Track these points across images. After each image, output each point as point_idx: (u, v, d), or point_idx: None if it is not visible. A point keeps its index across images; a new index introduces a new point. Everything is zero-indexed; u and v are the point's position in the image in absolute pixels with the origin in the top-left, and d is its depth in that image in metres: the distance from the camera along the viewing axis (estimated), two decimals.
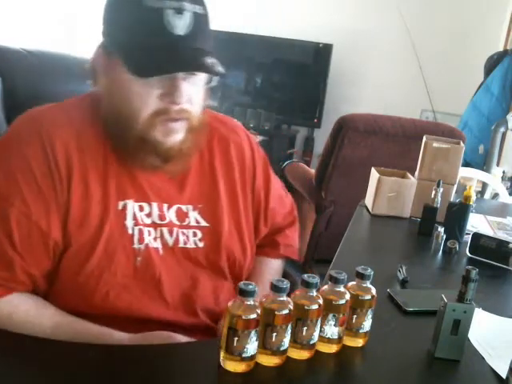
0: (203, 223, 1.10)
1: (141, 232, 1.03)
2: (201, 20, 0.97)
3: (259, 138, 4.21)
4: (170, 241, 1.06)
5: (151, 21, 0.93)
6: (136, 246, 1.02)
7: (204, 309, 1.09)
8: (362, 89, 4.47)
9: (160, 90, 0.97)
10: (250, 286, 0.82)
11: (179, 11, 0.93)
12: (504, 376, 0.89)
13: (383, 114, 2.81)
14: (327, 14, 4.40)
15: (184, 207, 1.09)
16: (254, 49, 4.63)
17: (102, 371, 0.84)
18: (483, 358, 0.97)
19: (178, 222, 1.08)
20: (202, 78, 1.01)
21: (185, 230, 1.08)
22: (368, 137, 2.67)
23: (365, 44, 4.37)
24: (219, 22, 4.46)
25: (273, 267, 1.30)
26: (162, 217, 1.06)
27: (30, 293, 1.00)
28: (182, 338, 0.98)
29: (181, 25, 0.94)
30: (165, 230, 1.06)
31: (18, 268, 0.95)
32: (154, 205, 1.05)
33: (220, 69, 0.99)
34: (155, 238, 1.04)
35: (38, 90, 1.25)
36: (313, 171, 2.99)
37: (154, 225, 1.05)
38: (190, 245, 1.08)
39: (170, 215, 1.07)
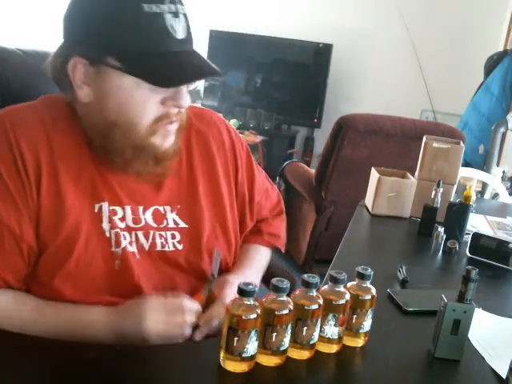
0: (182, 224, 1.08)
1: (117, 235, 1.00)
2: (187, 20, 0.97)
3: (259, 138, 4.21)
4: (146, 245, 1.03)
5: (155, 26, 0.91)
6: (114, 249, 1.00)
7: None
8: (362, 89, 4.47)
9: (162, 95, 0.96)
10: (250, 286, 0.82)
11: (176, 14, 0.93)
12: (504, 376, 0.89)
13: (383, 114, 2.81)
14: (327, 14, 4.40)
15: (161, 208, 1.06)
16: (254, 49, 4.63)
17: (102, 371, 0.84)
18: (483, 358, 0.97)
19: (154, 225, 1.05)
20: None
21: (162, 233, 1.05)
22: (368, 137, 2.67)
23: (365, 44, 4.37)
24: (219, 22, 4.49)
25: (260, 252, 1.28)
26: (136, 220, 1.03)
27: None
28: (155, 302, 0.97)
29: (180, 28, 0.94)
30: (140, 233, 1.03)
31: None
32: (128, 208, 1.03)
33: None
34: (131, 243, 1.02)
35: (33, 90, 1.24)
36: (313, 171, 2.99)
37: (129, 229, 1.02)
38: (169, 247, 1.06)
39: (147, 217, 1.04)
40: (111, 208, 1.01)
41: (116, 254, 1.00)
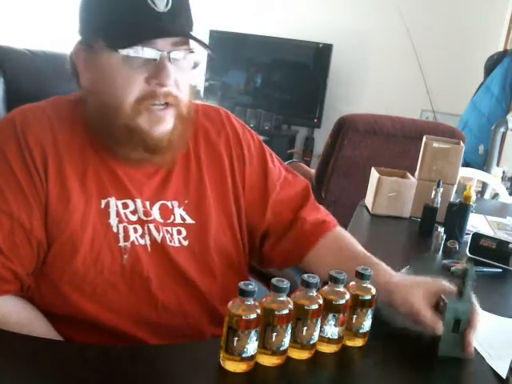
0: (189, 220, 1.07)
1: (126, 229, 1.01)
2: (182, 1, 0.97)
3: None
4: (159, 237, 1.03)
5: (134, 1, 0.93)
6: (122, 243, 1.00)
7: (192, 310, 1.06)
8: (362, 89, 4.47)
9: (146, 74, 0.95)
10: (250, 286, 0.82)
11: None
12: (504, 376, 0.89)
13: (383, 114, 2.81)
14: (327, 14, 4.40)
15: (169, 203, 1.06)
16: (254, 49, 4.63)
17: (101, 371, 0.84)
18: (483, 358, 0.97)
19: (161, 220, 1.05)
20: (188, 62, 0.99)
21: (168, 228, 1.05)
22: (368, 137, 2.67)
23: (365, 44, 4.37)
24: (219, 22, 4.49)
25: (339, 235, 1.18)
26: (147, 213, 1.03)
27: (21, 300, 0.98)
28: None
29: (162, 3, 0.93)
30: (152, 226, 1.03)
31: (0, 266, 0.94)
32: (138, 201, 1.03)
33: (205, 43, 0.97)
34: (142, 235, 1.02)
35: (42, 90, 1.24)
36: (313, 171, 2.99)
37: (141, 221, 1.02)
38: (174, 243, 1.05)
39: (154, 212, 1.04)
40: (123, 201, 1.02)
41: (124, 249, 1.00)
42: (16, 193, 0.95)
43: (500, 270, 1.42)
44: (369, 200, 1.84)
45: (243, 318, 0.81)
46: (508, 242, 1.44)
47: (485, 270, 1.41)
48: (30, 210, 0.95)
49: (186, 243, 1.06)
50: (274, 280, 0.85)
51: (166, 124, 0.98)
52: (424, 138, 1.83)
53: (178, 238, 1.06)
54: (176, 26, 0.95)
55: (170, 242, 1.05)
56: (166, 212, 1.06)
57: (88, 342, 0.97)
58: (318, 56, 4.47)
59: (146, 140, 0.98)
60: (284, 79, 4.63)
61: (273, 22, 4.47)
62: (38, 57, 1.33)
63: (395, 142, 2.69)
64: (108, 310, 1.00)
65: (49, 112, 1.02)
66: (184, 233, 1.06)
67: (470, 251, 1.48)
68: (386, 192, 1.76)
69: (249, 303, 0.82)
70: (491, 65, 3.73)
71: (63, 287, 0.99)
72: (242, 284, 0.82)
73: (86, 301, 0.99)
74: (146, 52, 0.94)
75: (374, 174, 1.82)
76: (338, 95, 4.48)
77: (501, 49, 3.93)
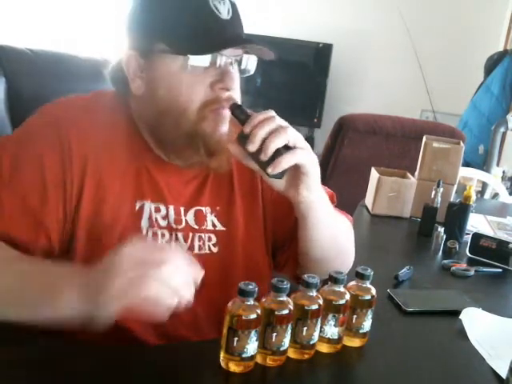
0: (219, 227, 1.06)
1: (154, 235, 1.00)
2: (236, 8, 0.98)
3: None
4: (185, 247, 1.02)
5: (199, 7, 0.93)
6: None
7: (208, 325, 1.04)
8: (362, 89, 4.47)
9: (210, 79, 0.95)
10: (250, 286, 0.82)
11: None
12: (504, 376, 0.89)
13: (383, 114, 2.81)
14: (327, 14, 4.40)
15: (203, 209, 1.05)
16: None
17: (102, 371, 0.84)
18: (483, 358, 0.97)
19: (196, 226, 1.04)
20: (237, 68, 1.02)
21: (202, 235, 1.04)
22: (368, 137, 2.67)
23: (365, 44, 4.37)
24: None
25: None
26: (177, 221, 1.02)
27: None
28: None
29: (225, 10, 0.94)
30: (180, 235, 1.02)
31: None
32: (171, 207, 1.02)
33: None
34: (168, 242, 1.01)
35: (43, 89, 1.25)
36: None
37: (170, 228, 1.02)
38: (205, 250, 1.04)
39: (188, 218, 1.03)
40: (155, 205, 1.01)
41: None
42: (38, 190, 0.92)
43: (500, 270, 1.42)
44: (369, 200, 1.84)
45: (243, 317, 0.81)
46: (508, 242, 1.44)
47: (485, 269, 1.41)
48: (45, 206, 0.92)
49: (215, 250, 1.06)
50: (274, 280, 0.85)
51: (225, 125, 0.98)
52: (424, 138, 1.83)
53: (209, 245, 1.05)
54: (239, 33, 0.97)
55: (200, 249, 1.04)
56: (200, 218, 1.05)
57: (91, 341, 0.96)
58: (318, 56, 4.47)
59: (208, 143, 0.96)
60: (284, 79, 4.62)
61: (273, 21, 4.47)
62: (38, 56, 1.34)
63: (395, 141, 2.69)
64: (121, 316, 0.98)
65: (93, 114, 1.00)
66: (214, 239, 1.06)
67: (469, 251, 1.48)
68: (386, 192, 1.77)
69: (249, 303, 0.82)
70: (491, 65, 3.73)
71: None
72: (242, 284, 0.82)
73: None
74: (211, 58, 0.94)
75: (374, 174, 1.82)
76: (338, 95, 4.47)
77: (501, 49, 3.93)
